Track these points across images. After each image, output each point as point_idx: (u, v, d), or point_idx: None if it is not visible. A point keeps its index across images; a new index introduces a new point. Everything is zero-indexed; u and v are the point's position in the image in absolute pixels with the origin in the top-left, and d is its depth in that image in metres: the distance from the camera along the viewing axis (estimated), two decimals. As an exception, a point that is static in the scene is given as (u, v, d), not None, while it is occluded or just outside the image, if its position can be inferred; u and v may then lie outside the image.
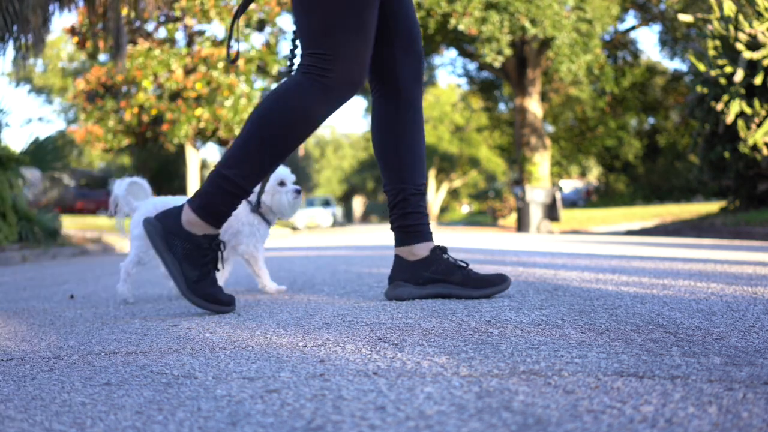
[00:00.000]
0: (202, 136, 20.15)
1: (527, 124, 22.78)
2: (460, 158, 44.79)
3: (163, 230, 1.88)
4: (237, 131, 19.28)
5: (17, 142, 54.79)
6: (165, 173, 37.45)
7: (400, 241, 2.08)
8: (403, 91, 2.06)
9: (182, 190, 36.47)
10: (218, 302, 1.93)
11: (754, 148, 9.43)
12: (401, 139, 2.07)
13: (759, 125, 9.38)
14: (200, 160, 26.15)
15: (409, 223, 2.06)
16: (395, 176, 2.08)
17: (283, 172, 2.46)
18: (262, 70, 20.65)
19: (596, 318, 1.64)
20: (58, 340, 1.69)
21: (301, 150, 48.80)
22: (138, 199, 2.53)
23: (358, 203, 57.94)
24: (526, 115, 22.85)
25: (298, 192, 2.42)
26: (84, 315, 2.17)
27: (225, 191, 1.84)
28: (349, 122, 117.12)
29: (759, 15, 9.78)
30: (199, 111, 18.85)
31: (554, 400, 0.95)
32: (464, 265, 2.07)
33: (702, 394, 0.96)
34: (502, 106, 31.97)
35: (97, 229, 13.08)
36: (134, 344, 1.56)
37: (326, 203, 34.06)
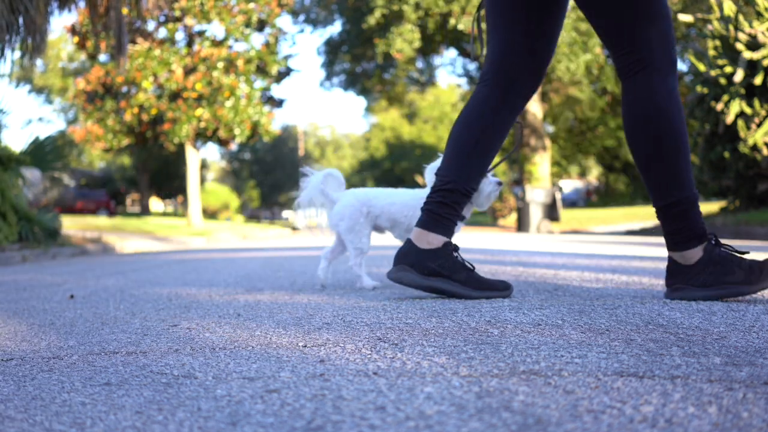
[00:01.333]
0: (202, 136, 20.15)
1: (527, 124, 22.80)
2: (460, 158, 44.69)
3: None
4: (237, 131, 19.29)
5: (17, 142, 54.72)
6: (165, 173, 37.44)
7: (421, 223, 2.07)
8: (521, 96, 2.08)
9: (182, 190, 36.53)
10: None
11: (754, 148, 9.44)
12: (491, 137, 2.07)
13: (759, 125, 9.38)
14: (200, 160, 26.13)
15: (440, 212, 2.05)
16: (457, 167, 2.06)
17: None
18: (262, 71, 20.65)
19: (596, 318, 1.64)
20: (58, 340, 1.69)
21: (301, 150, 48.76)
22: (334, 191, 2.54)
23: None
24: (526, 116, 22.87)
25: (499, 183, 2.34)
26: (84, 315, 2.17)
27: (686, 210, 1.89)
28: (349, 122, 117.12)
29: (759, 15, 9.78)
30: (199, 111, 18.86)
31: (554, 400, 0.95)
32: (471, 267, 2.08)
33: (702, 394, 0.96)
34: (502, 106, 31.89)
35: (97, 229, 13.09)
36: (134, 344, 1.56)
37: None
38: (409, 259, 2.05)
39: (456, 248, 2.07)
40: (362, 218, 2.47)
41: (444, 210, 2.05)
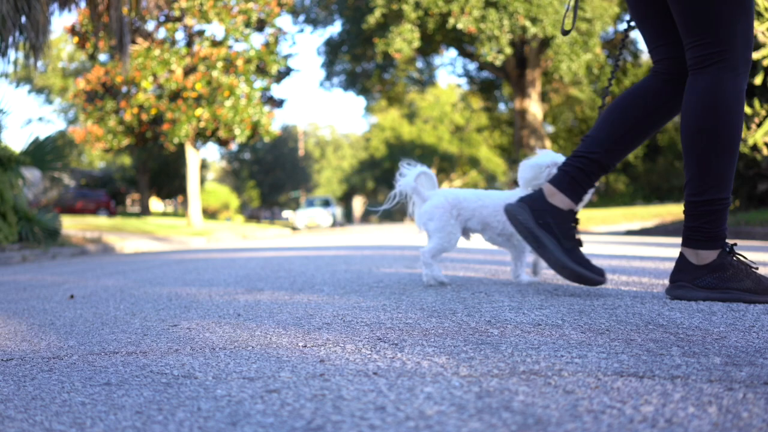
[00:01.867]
0: (202, 136, 20.15)
1: (526, 125, 22.81)
2: (460, 158, 44.78)
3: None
4: (237, 131, 19.29)
5: (17, 142, 54.59)
6: (165, 173, 37.45)
7: (555, 182, 2.08)
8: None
9: (182, 190, 36.54)
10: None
11: (754, 148, 9.44)
12: (650, 125, 2.07)
13: (759, 125, 9.38)
14: (200, 160, 26.12)
15: (577, 177, 2.06)
16: (609, 141, 2.06)
17: (555, 156, 2.36)
18: (262, 71, 20.65)
19: (596, 318, 1.64)
20: (58, 340, 1.69)
21: (301, 150, 48.72)
22: (426, 190, 2.53)
23: (358, 203, 57.97)
24: (526, 116, 22.88)
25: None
26: (84, 315, 2.17)
27: (716, 211, 1.88)
28: (349, 122, 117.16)
29: (759, 15, 9.78)
30: (199, 111, 18.86)
31: (554, 400, 0.95)
32: (580, 243, 2.08)
33: (702, 394, 0.96)
34: (502, 107, 31.97)
35: (97, 229, 13.09)
36: (134, 344, 1.56)
37: (326, 203, 34.05)
38: (533, 203, 2.07)
39: (576, 221, 2.07)
40: (452, 219, 2.45)
41: (581, 176, 2.06)
